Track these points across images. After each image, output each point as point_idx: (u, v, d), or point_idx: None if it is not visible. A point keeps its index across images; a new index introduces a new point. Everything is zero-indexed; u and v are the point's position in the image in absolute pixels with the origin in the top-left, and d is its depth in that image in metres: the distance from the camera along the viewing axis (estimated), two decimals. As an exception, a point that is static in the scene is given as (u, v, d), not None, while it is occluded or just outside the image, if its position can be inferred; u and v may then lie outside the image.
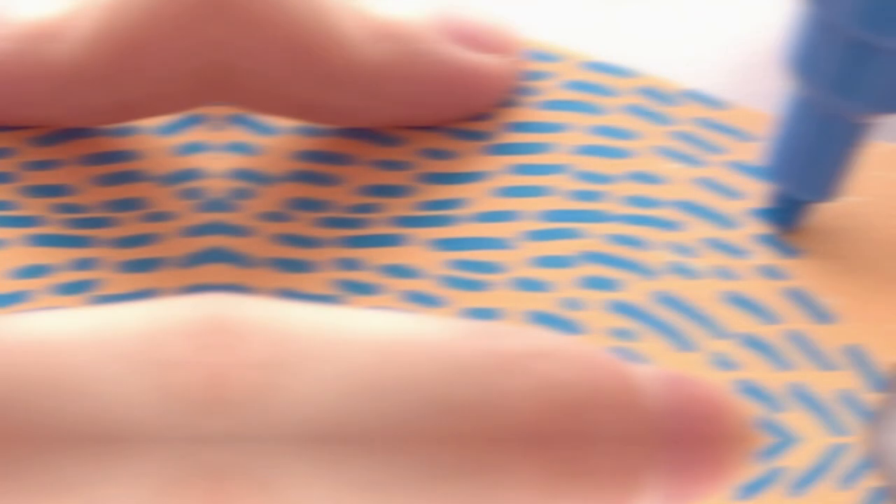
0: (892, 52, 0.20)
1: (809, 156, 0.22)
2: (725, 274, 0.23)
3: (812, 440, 0.21)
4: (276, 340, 0.16)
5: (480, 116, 0.27)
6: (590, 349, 0.19)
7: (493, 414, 0.17)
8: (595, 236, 0.24)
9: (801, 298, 0.22)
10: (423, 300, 0.24)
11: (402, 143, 0.26)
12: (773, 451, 0.21)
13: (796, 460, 0.21)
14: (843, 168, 0.22)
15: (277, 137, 0.27)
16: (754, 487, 0.20)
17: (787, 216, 0.23)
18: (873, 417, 0.21)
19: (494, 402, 0.17)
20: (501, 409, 0.17)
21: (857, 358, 0.21)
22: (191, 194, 0.25)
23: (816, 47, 0.20)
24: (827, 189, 0.23)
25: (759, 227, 0.24)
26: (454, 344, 0.17)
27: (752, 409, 0.21)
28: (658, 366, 0.21)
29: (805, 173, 0.22)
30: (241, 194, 0.26)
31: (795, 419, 0.21)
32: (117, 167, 0.26)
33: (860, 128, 0.21)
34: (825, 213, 0.24)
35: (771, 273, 0.23)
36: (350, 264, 0.24)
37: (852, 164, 0.22)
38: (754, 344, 0.22)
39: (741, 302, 0.23)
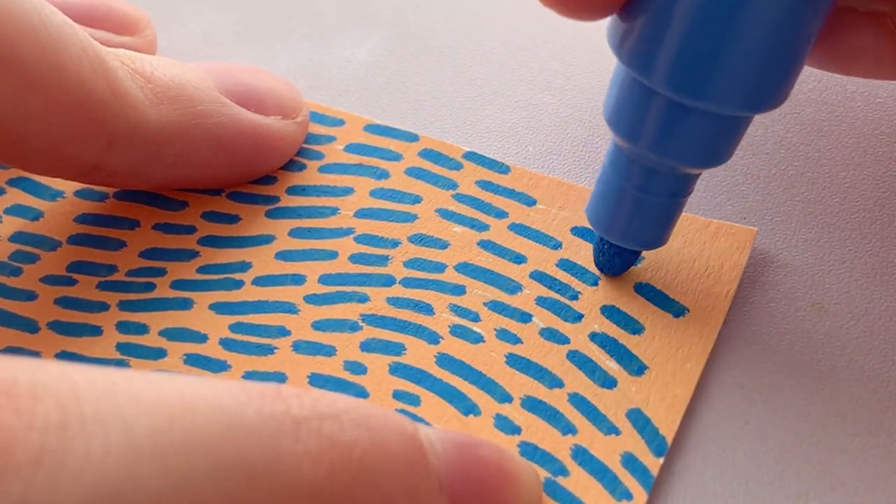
0: (702, 112, 0.20)
1: (633, 209, 0.22)
2: (508, 337, 0.23)
3: (595, 504, 0.21)
4: (63, 404, 0.15)
5: (264, 180, 0.27)
6: (376, 410, 0.19)
7: (281, 477, 0.17)
8: (378, 300, 0.24)
9: (583, 362, 0.23)
10: (207, 364, 0.23)
11: (184, 207, 0.26)
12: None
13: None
14: (665, 219, 0.23)
15: (60, 201, 0.26)
16: None
17: (613, 264, 0.24)
18: (655, 480, 0.21)
19: (283, 466, 0.17)
20: (290, 472, 0.17)
21: (639, 422, 0.22)
22: None
23: (635, 107, 0.21)
24: (651, 239, 0.23)
25: (541, 291, 0.24)
26: (242, 407, 0.17)
27: (537, 473, 0.21)
28: (442, 428, 0.21)
29: (628, 224, 0.23)
30: (24, 258, 0.25)
31: (579, 483, 0.21)
32: None
33: (679, 180, 0.22)
34: (605, 281, 0.24)
35: (553, 337, 0.23)
36: (133, 328, 0.24)
37: (674, 215, 0.23)
38: (537, 407, 0.22)
39: (524, 365, 0.23)
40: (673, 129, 0.21)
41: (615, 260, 0.24)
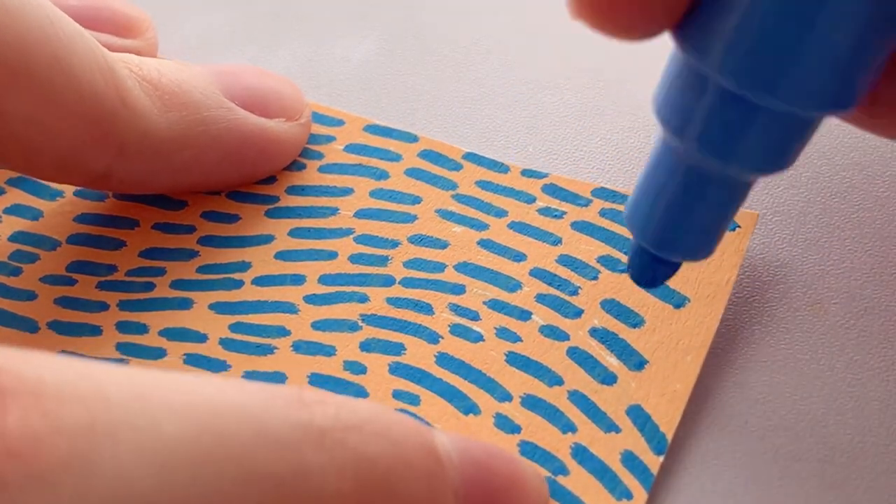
0: (770, 111, 0.18)
1: (676, 213, 0.20)
2: (508, 336, 0.23)
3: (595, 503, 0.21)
4: (91, 407, 0.15)
5: (263, 179, 0.27)
6: (398, 419, 0.19)
7: (307, 489, 0.17)
8: (378, 300, 0.24)
9: (583, 359, 0.23)
10: (207, 364, 0.23)
11: (184, 207, 0.26)
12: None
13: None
14: (714, 228, 0.20)
15: (60, 201, 0.26)
16: None
17: (648, 274, 0.21)
18: (655, 479, 0.21)
19: (308, 477, 0.17)
20: (315, 484, 0.17)
21: (639, 419, 0.22)
22: None
23: (688, 100, 0.18)
24: (695, 249, 0.20)
25: (541, 288, 0.24)
26: (268, 415, 0.17)
27: (542, 473, 0.21)
28: (449, 432, 0.21)
29: (671, 231, 0.20)
30: (24, 258, 0.25)
31: (579, 482, 0.21)
32: None
33: (734, 187, 0.19)
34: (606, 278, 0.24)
35: (553, 334, 0.23)
36: (133, 328, 0.24)
37: (725, 223, 0.20)
38: (537, 406, 0.22)
39: (524, 363, 0.23)
40: (732, 126, 0.18)
41: (649, 270, 0.21)
